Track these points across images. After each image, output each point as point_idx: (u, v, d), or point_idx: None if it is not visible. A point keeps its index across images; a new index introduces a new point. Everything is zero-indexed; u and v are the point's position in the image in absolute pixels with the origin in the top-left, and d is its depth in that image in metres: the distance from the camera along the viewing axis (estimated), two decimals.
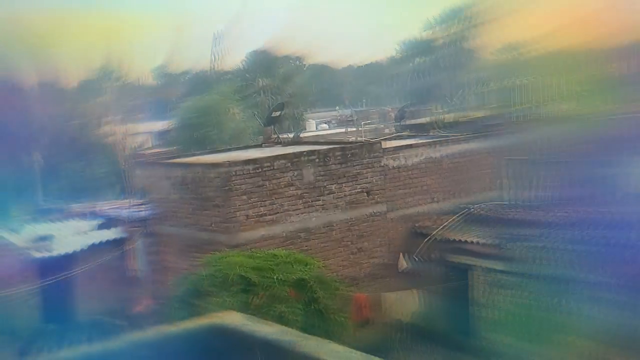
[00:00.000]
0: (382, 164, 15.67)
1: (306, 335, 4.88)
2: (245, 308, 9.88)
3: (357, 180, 15.27)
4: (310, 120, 29.28)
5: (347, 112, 32.68)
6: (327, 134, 26.24)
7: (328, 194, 14.87)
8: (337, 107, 33.00)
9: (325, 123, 31.17)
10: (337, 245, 14.97)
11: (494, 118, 22.08)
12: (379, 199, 15.61)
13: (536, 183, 20.65)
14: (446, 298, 15.12)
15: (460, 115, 24.72)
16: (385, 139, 18.61)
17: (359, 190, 15.33)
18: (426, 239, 15.51)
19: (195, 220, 14.16)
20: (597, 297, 9.70)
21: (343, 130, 27.50)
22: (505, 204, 16.56)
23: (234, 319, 5.26)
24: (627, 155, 14.54)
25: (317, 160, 14.78)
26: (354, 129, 26.05)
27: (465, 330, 14.24)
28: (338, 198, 15.00)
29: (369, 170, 15.45)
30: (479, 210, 16.06)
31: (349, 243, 15.16)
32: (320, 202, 14.76)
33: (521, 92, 23.77)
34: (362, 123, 25.52)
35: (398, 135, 19.88)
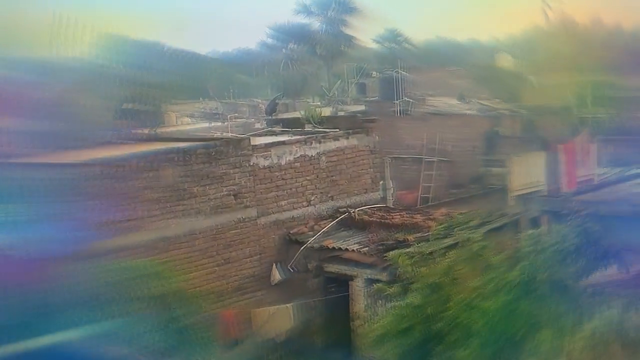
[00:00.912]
0: (251, 163, 15.81)
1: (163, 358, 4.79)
2: None
3: (223, 181, 15.30)
4: (170, 113, 28.92)
5: (213, 104, 32.56)
6: (190, 129, 26.04)
7: (190, 197, 14.82)
8: (201, 99, 32.76)
9: (188, 116, 30.92)
10: (201, 256, 14.95)
11: (376, 112, 23.19)
12: (248, 203, 15.74)
13: (420, 182, 22.15)
14: (324, 312, 15.51)
15: (339, 109, 25.68)
16: (255, 135, 18.82)
17: (226, 193, 15.38)
18: (302, 247, 15.79)
19: None
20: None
21: (208, 124, 27.41)
22: (387, 207, 17.51)
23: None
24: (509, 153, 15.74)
25: (177, 159, 14.73)
26: (220, 124, 26.05)
27: (345, 347, 14.58)
28: (202, 202, 14.98)
29: (237, 170, 15.53)
30: (359, 214, 16.65)
31: (215, 253, 15.17)
32: (181, 207, 14.70)
33: (405, 83, 25.13)
34: (230, 117, 25.54)
35: (269, 131, 20.13)
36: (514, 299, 10.02)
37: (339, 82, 30.90)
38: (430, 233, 14.61)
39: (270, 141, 16.89)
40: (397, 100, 24.44)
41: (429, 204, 20.91)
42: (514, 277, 10.23)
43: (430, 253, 13.12)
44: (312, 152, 16.96)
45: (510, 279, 10.26)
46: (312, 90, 32.79)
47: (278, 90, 31.34)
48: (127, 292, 10.87)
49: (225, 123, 26.05)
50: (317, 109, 21.40)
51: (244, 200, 15.69)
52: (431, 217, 16.05)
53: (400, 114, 24.38)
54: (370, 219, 16.31)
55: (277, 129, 20.47)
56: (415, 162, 23.02)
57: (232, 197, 15.52)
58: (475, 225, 14.55)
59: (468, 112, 25.70)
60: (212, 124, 27.23)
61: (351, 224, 16.49)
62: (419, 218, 16.06)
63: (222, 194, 15.31)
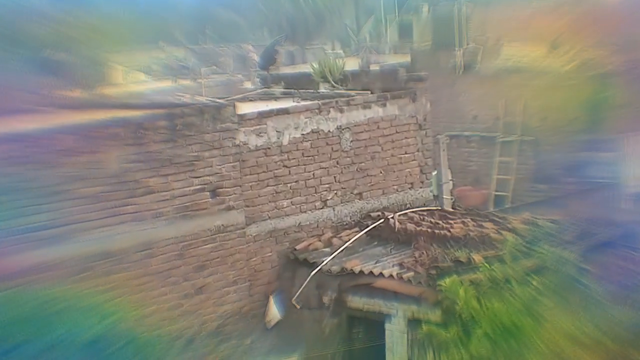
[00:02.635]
0: (237, 143, 15.88)
1: None
2: None
3: (194, 170, 15.34)
4: (114, 66, 28.82)
5: (180, 52, 32.55)
6: (145, 91, 25.95)
7: (145, 193, 14.84)
8: (162, 44, 32.74)
9: (142, 72, 30.84)
10: (161, 281, 14.98)
11: (427, 66, 23.41)
12: (232, 203, 15.79)
13: (492, 174, 22.30)
14: None
15: (372, 60, 25.76)
16: (244, 100, 18.98)
17: (198, 187, 15.41)
18: (313, 271, 15.80)
19: None
20: None
21: (172, 83, 27.35)
22: (442, 211, 17.83)
23: None
24: None
25: (125, 135, 14.65)
26: (190, 82, 25.94)
27: None
28: (162, 201, 15.01)
29: (215, 153, 15.58)
30: (400, 220, 16.80)
31: (181, 279, 15.21)
32: (132, 208, 14.72)
33: (471, 24, 25.37)
34: (204, 71, 25.42)
35: (265, 93, 20.30)
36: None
37: (371, 19, 31.02)
38: (506, 250, 14.82)
39: (267, 109, 16.96)
40: (459, 48, 24.57)
41: (506, 206, 20.95)
42: (628, 318, 10.31)
43: (506, 280, 13.43)
44: (329, 126, 17.13)
45: (622, 319, 10.57)
46: (330, 31, 32.91)
47: (279, 32, 31.37)
48: (37, 339, 10.89)
49: (198, 81, 25.92)
50: (338, 61, 21.38)
51: (226, 198, 15.74)
52: (508, 225, 16.31)
53: (463, 69, 24.51)
54: (418, 229, 16.39)
55: (277, 89, 20.64)
56: (486, 143, 23.02)
57: (208, 193, 15.57)
58: (571, 238, 14.91)
59: (564, 68, 25.55)
60: (179, 83, 27.16)
61: (388, 236, 16.62)
62: (490, 227, 16.26)
63: (192, 188, 15.35)
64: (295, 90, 19.77)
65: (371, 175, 17.67)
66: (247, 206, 15.97)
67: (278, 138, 16.43)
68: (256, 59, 28.99)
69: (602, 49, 26.94)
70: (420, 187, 18.34)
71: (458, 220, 16.77)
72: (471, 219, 16.91)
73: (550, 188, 22.63)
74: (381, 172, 17.79)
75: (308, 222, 16.80)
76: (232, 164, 15.73)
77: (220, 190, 15.61)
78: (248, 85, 25.29)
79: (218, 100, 17.47)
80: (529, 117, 23.52)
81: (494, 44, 26.40)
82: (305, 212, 16.79)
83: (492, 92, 23.74)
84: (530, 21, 28.77)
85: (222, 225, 15.62)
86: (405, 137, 18.15)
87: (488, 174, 22.61)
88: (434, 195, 18.29)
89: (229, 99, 18.29)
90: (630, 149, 15.72)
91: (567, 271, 11.75)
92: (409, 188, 18.20)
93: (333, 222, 17.09)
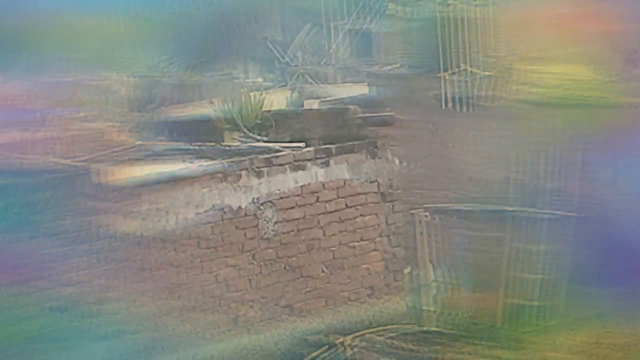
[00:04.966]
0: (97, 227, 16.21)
1: None
2: None
3: None
4: None
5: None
6: None
7: None
8: None
9: None
10: None
11: (397, 101, 23.44)
12: None
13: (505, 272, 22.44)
14: None
15: (307, 95, 25.65)
16: (108, 159, 19.33)
17: None
18: None
19: None
20: None
21: None
22: (424, 332, 17.84)
23: None
24: None
25: None
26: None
27: None
28: None
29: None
30: (356, 348, 17.02)
31: None
32: None
33: (469, 33, 25.47)
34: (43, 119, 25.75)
35: (141, 149, 20.62)
36: None
37: (307, 28, 30.76)
38: None
39: (142, 174, 17.32)
40: (447, 72, 24.43)
41: (532, 323, 20.89)
42: None
43: None
44: (241, 200, 17.37)
45: None
46: (242, 47, 32.73)
47: (164, 54, 31.50)
48: None
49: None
50: (254, 96, 21.48)
51: None
52: None
53: (455, 103, 24.36)
54: None
55: (160, 143, 20.98)
56: (494, 222, 23.09)
57: None
58: None
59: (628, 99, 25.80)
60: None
61: None
62: None
63: None
64: (189, 144, 19.94)
65: (308, 277, 17.93)
66: None
67: (159, 221, 16.75)
68: (127, 94, 28.98)
69: None
70: (387, 294, 18.47)
71: (450, 347, 16.87)
72: (474, 343, 17.16)
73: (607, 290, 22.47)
74: (324, 272, 17.95)
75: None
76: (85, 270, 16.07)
77: None
78: (115, 136, 25.27)
79: (71, 163, 17.79)
80: (568, 179, 23.36)
81: (505, 62, 26.27)
82: (204, 339, 16.95)
83: (505, 141, 23.77)
84: (567, 24, 29.00)
85: None
86: (361, 215, 18.26)
87: (497, 269, 22.53)
88: (408, 307, 18.10)
89: (84, 159, 18.66)
90: None
91: None
92: (368, 295, 18.28)
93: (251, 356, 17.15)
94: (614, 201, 22.77)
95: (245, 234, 17.42)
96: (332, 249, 18.23)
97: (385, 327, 17.68)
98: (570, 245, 23.17)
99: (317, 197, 18.07)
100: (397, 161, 18.86)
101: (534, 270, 22.73)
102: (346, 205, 18.32)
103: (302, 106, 23.53)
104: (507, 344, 17.62)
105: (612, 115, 24.67)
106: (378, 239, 18.56)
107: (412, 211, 18.64)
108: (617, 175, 22.94)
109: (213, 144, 19.85)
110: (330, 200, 18.20)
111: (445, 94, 24.21)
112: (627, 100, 24.70)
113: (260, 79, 28.90)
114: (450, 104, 24.19)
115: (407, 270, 18.33)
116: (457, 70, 24.40)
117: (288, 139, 19.27)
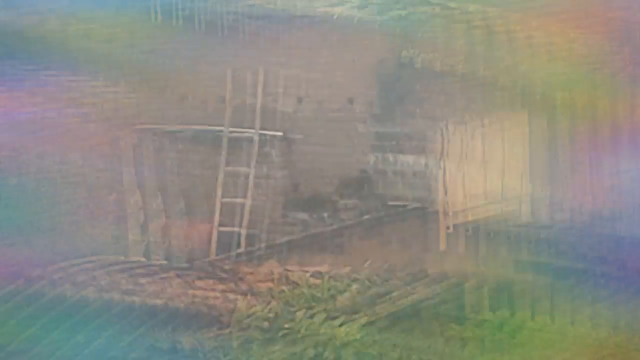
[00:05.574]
0: None
1: None
2: None
3: None
4: None
5: None
6: None
7: None
8: None
9: None
10: None
11: None
12: None
13: None
14: None
15: None
16: None
17: None
18: None
19: None
20: None
21: None
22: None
23: None
24: None
25: None
26: None
27: None
28: None
29: None
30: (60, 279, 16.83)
31: None
32: None
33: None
34: None
35: None
36: None
37: None
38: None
39: None
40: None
41: (238, 250, 21.10)
42: None
43: None
44: None
45: None
46: None
47: None
48: None
49: None
50: None
51: None
52: (242, 286, 16.99)
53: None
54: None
55: None
56: (206, 143, 23.15)
57: None
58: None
59: None
60: None
61: None
62: (209, 290, 16.73)
63: None
64: None
65: None
66: None
67: None
68: None
69: None
70: (91, 222, 18.25)
71: (151, 280, 16.89)
72: (176, 274, 17.12)
73: (316, 218, 22.61)
74: None
75: None
76: None
77: None
78: None
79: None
80: (277, 97, 23.36)
81: None
82: None
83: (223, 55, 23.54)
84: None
85: None
86: None
87: (210, 195, 22.45)
88: (113, 236, 18.48)
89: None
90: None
91: None
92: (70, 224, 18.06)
93: None
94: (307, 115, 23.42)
95: None
96: None
97: (86, 258, 17.51)
98: (277, 167, 23.39)
99: None
100: None
101: (241, 194, 22.71)
102: None
103: None
104: (219, 275, 17.76)
105: None
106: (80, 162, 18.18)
107: (117, 132, 18.79)
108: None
109: None
110: None
111: None
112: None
113: None
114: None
115: (112, 197, 18.46)
116: None
117: None
